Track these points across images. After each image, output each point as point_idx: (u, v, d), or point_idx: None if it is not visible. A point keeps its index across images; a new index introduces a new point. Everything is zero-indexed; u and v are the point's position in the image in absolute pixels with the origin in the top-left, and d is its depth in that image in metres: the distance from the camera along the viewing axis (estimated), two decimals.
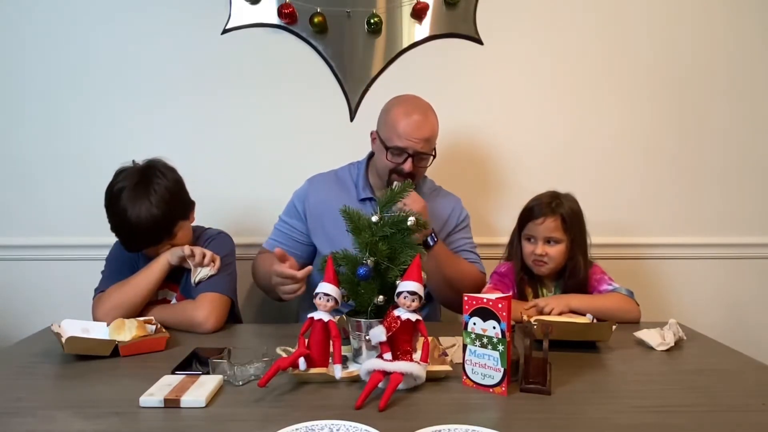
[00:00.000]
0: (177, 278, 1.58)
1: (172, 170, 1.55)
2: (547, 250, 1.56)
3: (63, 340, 1.22)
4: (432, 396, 1.05)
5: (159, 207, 1.45)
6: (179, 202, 1.53)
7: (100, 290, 1.54)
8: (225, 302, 1.51)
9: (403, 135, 1.56)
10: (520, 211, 1.63)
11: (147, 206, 1.44)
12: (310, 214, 1.71)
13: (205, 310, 1.45)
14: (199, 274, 1.50)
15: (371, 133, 1.68)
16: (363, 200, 1.69)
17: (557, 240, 1.56)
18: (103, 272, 1.61)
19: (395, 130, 1.57)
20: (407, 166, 1.57)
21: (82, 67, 1.99)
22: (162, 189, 1.47)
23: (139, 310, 1.48)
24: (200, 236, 1.65)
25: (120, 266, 1.58)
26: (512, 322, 1.05)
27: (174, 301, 1.58)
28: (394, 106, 1.62)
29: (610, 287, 1.58)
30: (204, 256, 1.50)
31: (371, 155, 1.73)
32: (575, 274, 1.57)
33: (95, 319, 1.46)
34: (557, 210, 1.56)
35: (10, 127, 2.01)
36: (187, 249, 1.49)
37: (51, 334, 1.30)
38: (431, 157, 1.64)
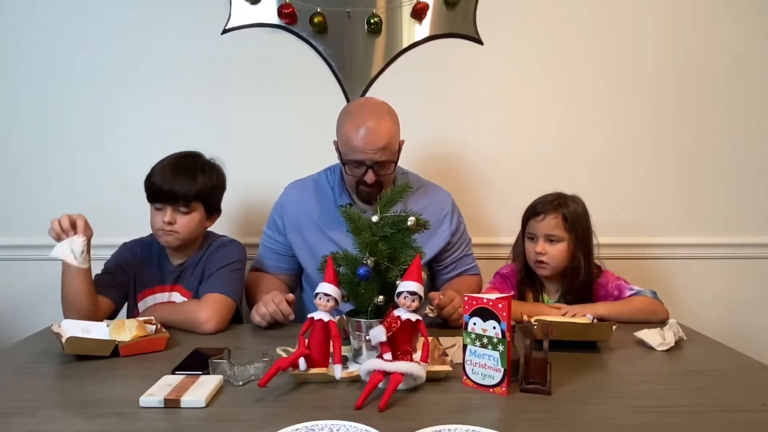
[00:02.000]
0: (188, 282, 1.59)
1: (223, 175, 1.64)
2: (547, 248, 1.55)
3: (63, 340, 1.22)
4: (432, 396, 1.05)
5: (195, 177, 1.53)
6: (211, 193, 1.59)
7: None
8: (229, 305, 1.50)
9: (357, 149, 1.49)
10: (524, 211, 1.63)
11: (188, 171, 1.54)
12: (288, 227, 1.68)
13: (208, 310, 1.44)
14: (71, 245, 1.37)
15: (334, 142, 1.62)
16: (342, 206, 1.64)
17: (558, 238, 1.55)
18: (97, 275, 1.59)
19: (349, 144, 1.50)
20: (369, 178, 1.51)
21: (80, 67, 1.99)
22: (206, 173, 1.57)
23: (83, 301, 1.41)
24: (212, 243, 1.64)
25: (122, 268, 1.59)
26: (512, 322, 1.06)
27: None
28: (347, 119, 1.54)
29: (633, 291, 1.57)
30: (60, 223, 1.38)
31: None
32: (576, 274, 1.56)
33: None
34: (559, 208, 1.55)
35: (8, 127, 2.01)
36: (54, 223, 1.38)
37: (51, 334, 1.30)
38: (393, 164, 1.56)
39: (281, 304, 1.43)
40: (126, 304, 1.62)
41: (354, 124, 1.50)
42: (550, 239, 1.55)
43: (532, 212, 1.59)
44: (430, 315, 1.39)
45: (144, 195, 1.55)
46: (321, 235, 1.63)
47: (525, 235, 1.62)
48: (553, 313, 1.46)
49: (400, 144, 1.59)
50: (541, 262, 1.57)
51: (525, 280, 1.64)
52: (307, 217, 1.67)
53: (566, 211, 1.55)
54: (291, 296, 1.49)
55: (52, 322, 1.34)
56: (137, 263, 1.61)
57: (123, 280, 1.58)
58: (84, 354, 1.23)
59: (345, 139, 1.52)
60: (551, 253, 1.55)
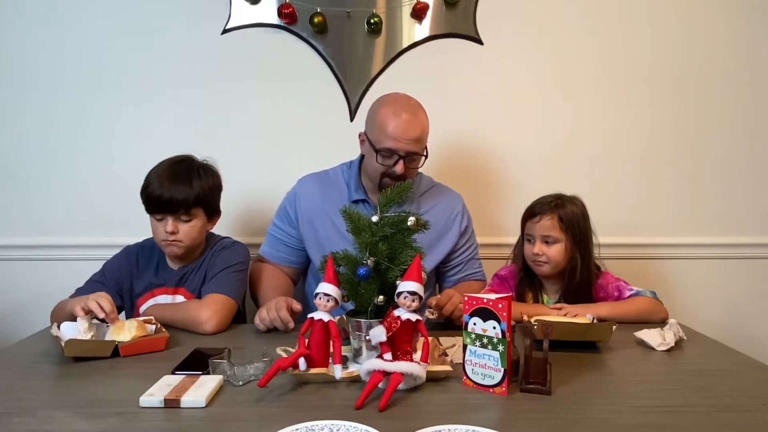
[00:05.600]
0: (192, 284, 1.59)
1: (218, 175, 1.63)
2: (543, 249, 1.55)
3: (62, 343, 1.22)
4: (432, 396, 1.05)
5: (192, 182, 1.52)
6: (210, 197, 1.58)
7: (76, 290, 1.55)
8: (231, 306, 1.50)
9: (392, 136, 1.51)
10: (523, 212, 1.63)
11: (184, 176, 1.52)
12: (301, 220, 1.68)
13: (209, 310, 1.44)
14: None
15: (359, 135, 1.64)
16: (356, 202, 1.65)
17: (554, 239, 1.55)
18: (94, 274, 1.60)
19: (384, 131, 1.52)
20: (399, 168, 1.53)
21: (79, 67, 1.99)
22: (202, 177, 1.55)
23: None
24: (215, 244, 1.64)
25: (114, 276, 1.59)
26: (512, 322, 1.06)
27: None
28: (382, 107, 1.57)
29: (633, 291, 1.57)
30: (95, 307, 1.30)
31: (363, 156, 1.67)
32: (573, 275, 1.56)
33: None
34: (555, 210, 1.55)
35: (8, 128, 2.01)
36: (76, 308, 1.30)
37: (51, 334, 1.30)
38: (423, 158, 1.60)
39: (281, 311, 1.42)
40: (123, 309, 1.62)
41: (391, 111, 1.54)
42: (546, 240, 1.56)
43: (530, 213, 1.60)
44: (431, 317, 1.39)
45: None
46: (333, 230, 1.63)
47: (523, 236, 1.62)
48: (553, 313, 1.46)
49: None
50: (539, 261, 1.57)
51: (524, 280, 1.64)
52: (320, 211, 1.66)
53: (562, 213, 1.55)
54: (298, 306, 1.45)
55: (51, 325, 1.34)
56: (135, 269, 1.61)
57: (115, 289, 1.57)
58: (85, 356, 1.23)
59: (380, 125, 1.54)
60: (548, 254, 1.55)
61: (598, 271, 1.63)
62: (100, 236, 1.99)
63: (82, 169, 2.02)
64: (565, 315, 1.43)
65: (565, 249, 1.55)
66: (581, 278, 1.56)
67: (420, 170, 1.78)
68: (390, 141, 1.52)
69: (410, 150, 1.53)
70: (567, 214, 1.55)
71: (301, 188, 1.73)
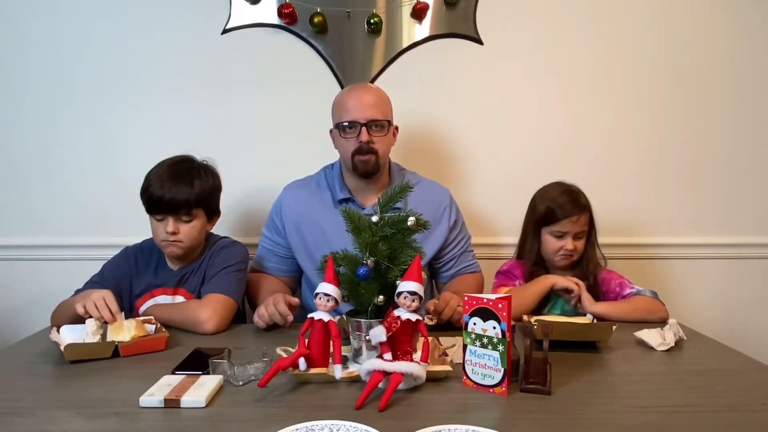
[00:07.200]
0: (191, 285, 1.59)
1: (218, 176, 1.64)
2: (576, 244, 1.61)
3: (62, 348, 1.21)
4: (432, 396, 1.05)
5: (192, 183, 1.53)
6: (210, 197, 1.58)
7: (76, 291, 1.54)
8: (230, 305, 1.50)
9: (350, 108, 1.57)
10: (543, 210, 1.62)
11: (185, 177, 1.52)
12: (288, 228, 1.69)
13: (208, 310, 1.44)
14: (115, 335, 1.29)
15: (330, 132, 1.67)
16: (341, 201, 1.64)
17: (584, 234, 1.62)
18: (94, 275, 1.60)
19: (342, 107, 1.59)
20: (363, 136, 1.55)
21: (79, 67, 1.99)
22: (203, 177, 1.56)
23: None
24: (214, 244, 1.64)
25: (113, 277, 1.58)
26: (512, 323, 1.06)
27: None
28: (339, 94, 1.66)
29: (633, 290, 1.58)
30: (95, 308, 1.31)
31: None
32: (592, 261, 1.63)
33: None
34: (584, 203, 1.62)
35: (8, 127, 2.01)
36: (80, 308, 1.33)
37: (50, 339, 1.29)
38: (388, 126, 1.60)
39: (279, 305, 1.42)
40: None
41: (346, 91, 1.64)
42: (578, 236, 1.61)
43: (561, 213, 1.59)
44: (430, 323, 1.38)
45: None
46: (320, 236, 1.63)
47: (546, 232, 1.62)
48: (571, 282, 1.51)
49: (396, 128, 1.66)
50: (568, 256, 1.61)
51: (536, 274, 1.63)
52: (306, 218, 1.67)
53: (589, 206, 1.62)
54: (295, 300, 1.46)
55: (51, 328, 1.34)
56: (135, 270, 1.61)
57: (115, 290, 1.55)
58: (85, 359, 1.22)
59: (338, 105, 1.62)
60: (578, 247, 1.62)
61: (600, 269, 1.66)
62: (100, 236, 1.99)
63: (82, 169, 2.02)
64: (579, 286, 1.50)
65: (588, 240, 1.64)
66: (594, 266, 1.63)
67: (406, 167, 1.77)
68: (348, 113, 1.57)
69: (369, 117, 1.55)
70: (590, 207, 1.63)
71: (286, 196, 1.73)
